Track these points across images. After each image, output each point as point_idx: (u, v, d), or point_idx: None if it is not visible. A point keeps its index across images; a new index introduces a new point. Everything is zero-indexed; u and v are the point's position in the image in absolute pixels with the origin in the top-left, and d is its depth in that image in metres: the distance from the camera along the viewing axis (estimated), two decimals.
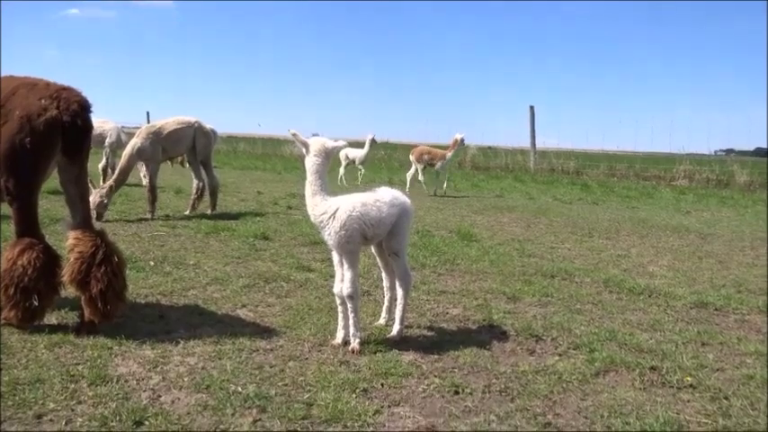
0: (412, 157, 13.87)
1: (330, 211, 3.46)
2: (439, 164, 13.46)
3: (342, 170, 15.42)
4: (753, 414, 2.84)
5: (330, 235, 3.47)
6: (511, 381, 3.16)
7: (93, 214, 7.59)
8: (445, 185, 13.65)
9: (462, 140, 13.67)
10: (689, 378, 3.23)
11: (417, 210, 10.18)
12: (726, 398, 3.02)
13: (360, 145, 15.87)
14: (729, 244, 7.91)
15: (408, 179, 13.88)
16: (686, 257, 6.86)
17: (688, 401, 2.99)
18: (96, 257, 3.60)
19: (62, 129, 3.57)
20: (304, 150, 3.53)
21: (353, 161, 15.35)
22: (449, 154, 13.64)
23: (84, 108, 3.69)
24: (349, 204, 3.50)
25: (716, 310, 4.66)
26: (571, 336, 3.89)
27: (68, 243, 3.67)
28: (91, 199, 7.56)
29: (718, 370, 3.41)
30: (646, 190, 16.57)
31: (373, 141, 15.23)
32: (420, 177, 13.76)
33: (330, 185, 3.60)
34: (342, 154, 15.35)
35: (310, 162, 3.50)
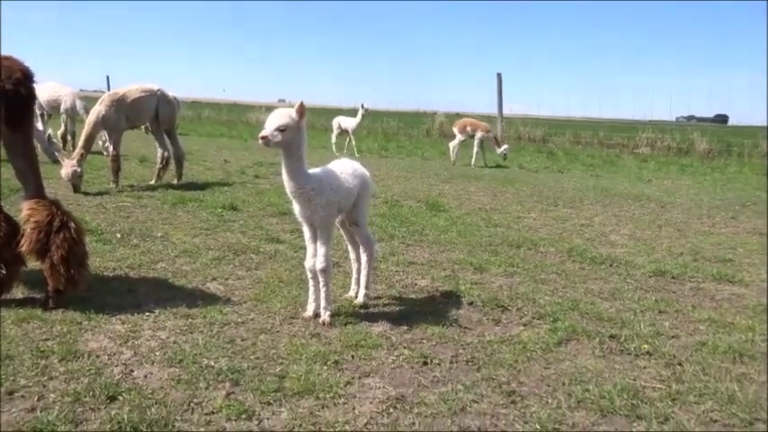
0: (455, 129, 13.90)
1: (317, 186, 3.45)
2: (480, 134, 13.53)
3: (333, 138, 15.23)
4: (704, 379, 2.99)
5: (315, 210, 3.46)
6: (477, 351, 3.27)
7: (69, 186, 7.44)
8: (484, 159, 13.70)
9: (504, 153, 13.79)
10: (645, 345, 3.38)
11: (386, 179, 10.24)
12: (679, 364, 3.17)
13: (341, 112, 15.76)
14: (688, 212, 8.17)
15: (455, 150, 13.85)
16: (646, 226, 7.07)
17: (644, 368, 3.13)
18: (53, 225, 3.59)
19: (4, 97, 3.51)
20: (280, 127, 3.29)
21: (345, 130, 15.13)
22: (492, 134, 13.88)
23: (26, 77, 3.66)
24: (329, 177, 3.54)
25: (673, 278, 4.84)
26: (535, 306, 4.02)
27: (23, 214, 3.65)
28: (63, 172, 7.40)
29: (673, 337, 3.57)
30: (609, 158, 16.89)
31: (366, 111, 15.04)
32: (455, 146, 13.78)
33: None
34: (334, 123, 15.25)
35: (299, 136, 3.35)
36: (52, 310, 3.56)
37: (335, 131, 15.24)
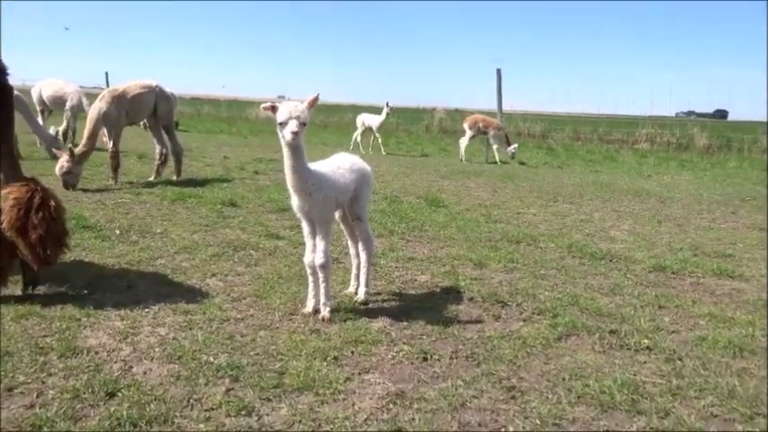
0: (466, 125, 13.85)
1: (317, 181, 3.45)
2: (492, 131, 13.50)
3: (357, 136, 15.11)
4: (704, 374, 2.99)
5: (314, 205, 3.45)
6: (477, 346, 3.26)
7: (60, 181, 7.37)
8: (487, 154, 13.75)
9: (513, 152, 13.80)
10: (646, 340, 3.38)
11: (385, 175, 10.22)
12: (680, 359, 3.17)
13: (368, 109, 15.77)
14: (688, 207, 8.16)
15: (461, 147, 13.86)
16: (646, 221, 7.06)
17: (644, 363, 3.13)
18: (34, 202, 3.57)
19: None
20: (303, 121, 3.24)
21: (369, 128, 15.00)
22: (503, 132, 13.88)
23: (0, 70, 3.64)
24: (328, 172, 3.54)
25: (673, 273, 4.83)
26: (535, 301, 4.01)
27: (3, 193, 3.63)
28: (57, 167, 7.35)
29: (673, 332, 3.56)
30: (609, 153, 16.90)
31: (390, 110, 14.90)
32: (464, 143, 13.77)
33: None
34: (358, 120, 15.17)
35: (303, 130, 3.29)
36: (31, 288, 3.64)
37: (360, 129, 15.06)
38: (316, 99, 3.33)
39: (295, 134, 3.19)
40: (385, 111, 14.78)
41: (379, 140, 15.15)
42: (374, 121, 14.90)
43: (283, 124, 3.22)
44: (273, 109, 3.27)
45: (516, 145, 14.09)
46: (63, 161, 7.35)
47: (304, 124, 3.24)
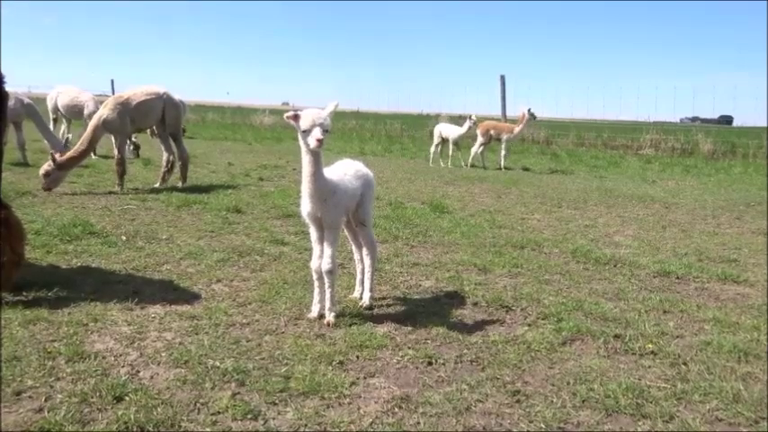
0: (478, 132, 13.64)
1: (332, 187, 3.49)
2: (505, 136, 13.45)
3: (434, 148, 14.06)
4: (709, 378, 2.99)
5: (328, 210, 3.49)
6: (482, 351, 3.27)
7: (42, 182, 7.34)
8: (504, 161, 13.49)
9: (531, 113, 13.41)
10: (650, 345, 3.38)
11: (390, 181, 10.25)
12: (684, 363, 3.17)
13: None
14: (692, 213, 8.15)
15: (471, 155, 13.74)
16: (651, 227, 7.06)
17: (649, 367, 3.13)
18: None
19: None
20: (326, 128, 3.28)
21: (446, 139, 13.86)
22: (517, 129, 13.69)
23: None
24: (339, 178, 3.58)
25: (677, 278, 4.83)
26: (540, 306, 4.02)
27: None
28: (41, 169, 7.34)
29: (677, 337, 3.57)
30: (613, 159, 16.87)
31: (473, 123, 13.62)
32: (475, 150, 13.63)
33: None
34: (435, 131, 14.21)
35: (326, 137, 3.31)
36: None
37: (436, 140, 13.99)
38: (335, 107, 3.41)
39: (320, 141, 3.24)
40: (467, 123, 13.54)
41: (458, 152, 14.06)
42: (452, 132, 13.86)
43: (307, 132, 3.26)
44: (296, 117, 3.31)
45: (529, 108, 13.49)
46: (51, 167, 7.29)
47: (327, 131, 3.28)
